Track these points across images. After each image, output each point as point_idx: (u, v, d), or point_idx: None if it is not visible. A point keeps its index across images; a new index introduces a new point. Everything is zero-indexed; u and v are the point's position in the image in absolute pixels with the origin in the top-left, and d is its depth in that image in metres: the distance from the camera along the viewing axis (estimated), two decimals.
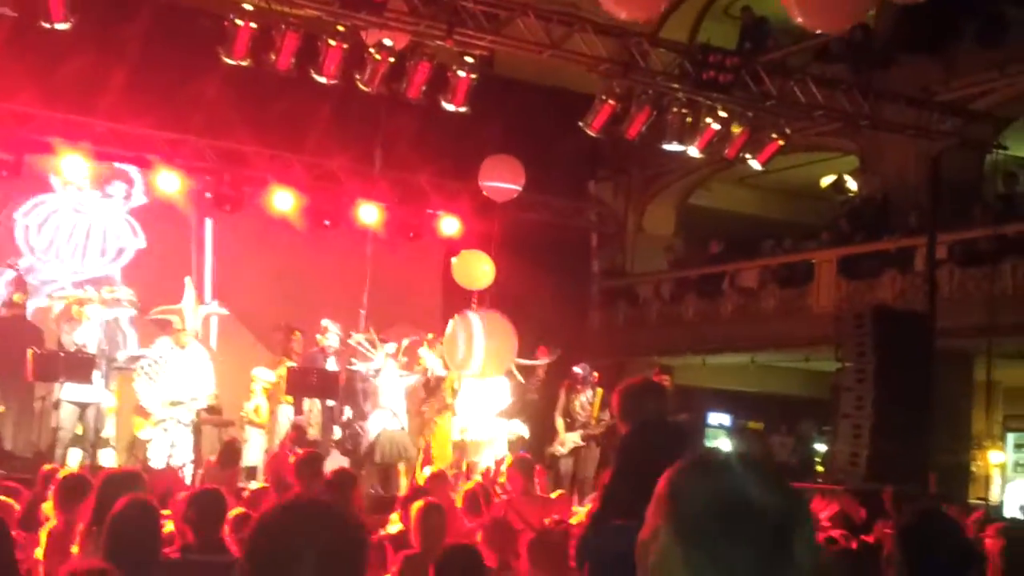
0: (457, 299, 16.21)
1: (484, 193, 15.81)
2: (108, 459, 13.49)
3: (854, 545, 7.04)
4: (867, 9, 10.12)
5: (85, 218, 16.66)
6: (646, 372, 15.21)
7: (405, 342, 15.16)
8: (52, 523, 6.41)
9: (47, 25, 11.57)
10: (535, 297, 13.17)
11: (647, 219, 22.25)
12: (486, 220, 16.87)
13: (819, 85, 14.84)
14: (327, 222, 17.24)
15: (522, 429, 15.00)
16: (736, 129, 14.50)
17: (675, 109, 14.22)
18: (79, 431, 13.18)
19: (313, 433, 14.03)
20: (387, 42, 12.81)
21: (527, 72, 17.80)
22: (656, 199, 22.21)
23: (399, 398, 14.60)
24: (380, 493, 13.40)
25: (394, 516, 8.02)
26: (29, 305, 14.73)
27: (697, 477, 1.76)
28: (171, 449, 13.43)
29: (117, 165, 16.32)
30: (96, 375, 12.91)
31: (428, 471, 9.61)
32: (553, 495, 10.06)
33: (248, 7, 12.26)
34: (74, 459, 12.84)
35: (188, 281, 14.35)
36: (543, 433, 15.32)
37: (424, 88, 13.38)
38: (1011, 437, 19.86)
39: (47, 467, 9.38)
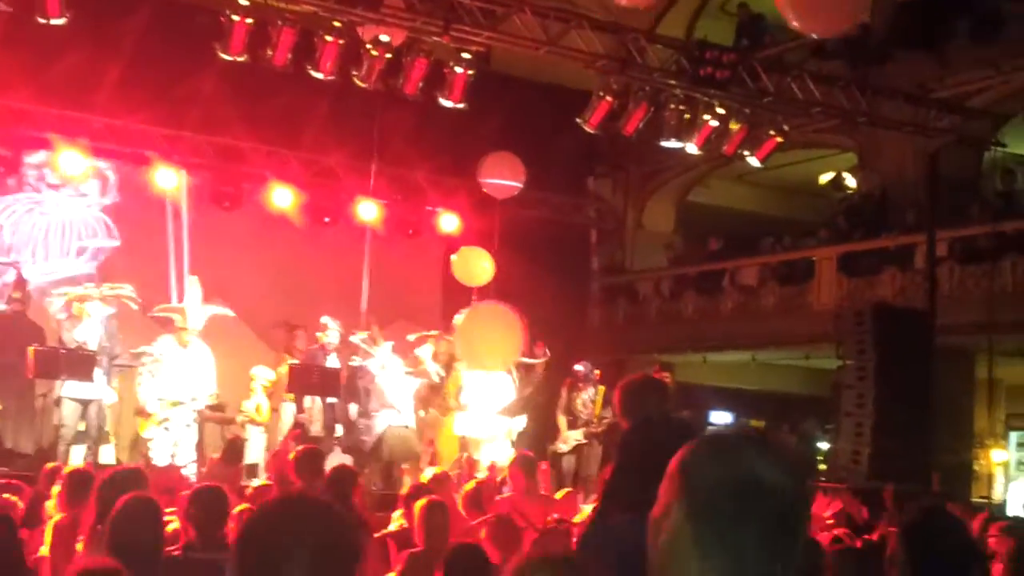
0: (457, 296, 16.20)
1: (484, 190, 15.80)
2: (106, 456, 13.45)
3: (858, 544, 7.02)
4: (862, 13, 10.10)
5: (58, 217, 16.57)
6: (647, 369, 15.21)
7: (411, 338, 15.12)
8: (58, 518, 6.39)
9: (43, 20, 11.54)
10: (534, 294, 13.17)
11: (646, 216, 22.25)
12: (485, 217, 16.87)
13: (816, 82, 14.83)
14: (326, 219, 17.23)
15: (521, 423, 14.94)
16: (734, 126, 14.50)
17: (672, 106, 14.23)
18: (81, 428, 13.15)
19: (315, 430, 14.01)
20: (384, 38, 12.79)
21: (524, 68, 17.78)
22: (655, 196, 22.21)
23: (405, 396, 14.56)
24: (381, 491, 13.36)
25: (396, 514, 7.99)
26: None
27: (710, 456, 1.78)
28: (174, 447, 13.39)
29: (92, 163, 16.15)
30: (97, 372, 12.87)
31: (431, 472, 9.55)
32: (559, 494, 10.02)
33: (244, 2, 12.23)
34: (77, 456, 12.80)
35: (194, 280, 14.30)
36: (545, 431, 15.30)
37: (421, 84, 13.37)
38: (1014, 436, 19.86)
39: (50, 465, 9.37)
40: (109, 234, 16.78)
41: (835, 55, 17.47)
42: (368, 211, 17.06)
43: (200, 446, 13.82)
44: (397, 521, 7.79)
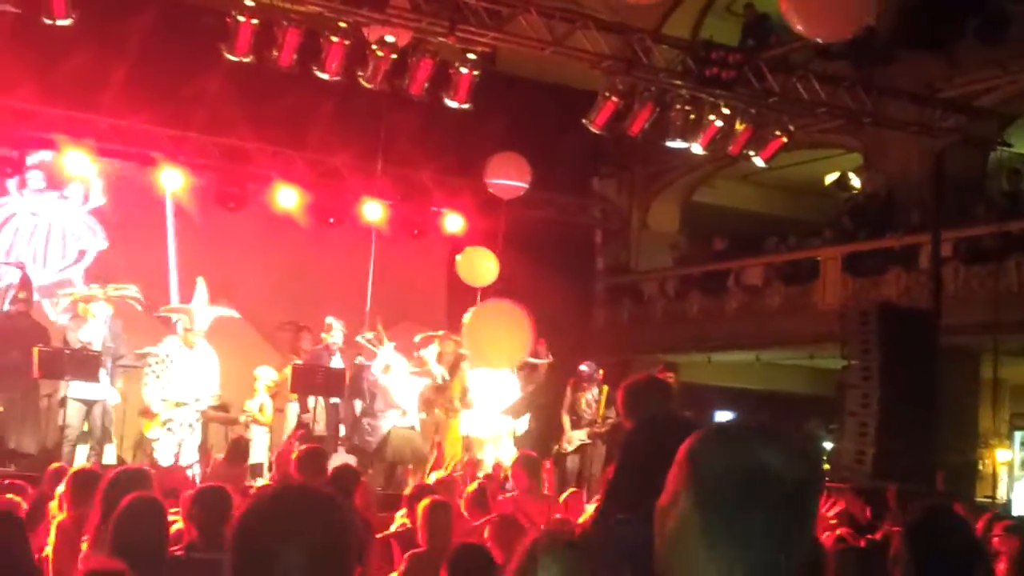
0: (461, 296, 16.22)
1: (490, 191, 15.81)
2: (107, 456, 13.47)
3: (861, 543, 7.02)
4: (867, 18, 10.10)
5: (44, 221, 16.55)
6: (651, 369, 15.20)
7: (417, 339, 15.13)
8: (61, 517, 6.41)
9: (49, 21, 11.57)
10: (539, 294, 13.18)
11: (651, 216, 22.24)
12: (490, 217, 16.88)
13: (822, 82, 14.82)
14: (331, 219, 17.24)
15: (524, 423, 14.93)
16: (739, 126, 14.49)
17: (678, 106, 14.22)
18: (85, 428, 13.17)
19: (319, 430, 14.03)
20: (389, 39, 12.80)
21: (530, 69, 17.78)
22: (660, 196, 22.20)
23: (411, 397, 14.57)
24: (383, 492, 13.36)
25: (399, 514, 8.00)
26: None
27: (718, 444, 1.78)
28: (177, 448, 13.41)
29: (72, 169, 16.13)
30: (101, 373, 12.90)
31: (435, 477, 9.56)
32: (564, 495, 10.02)
33: (250, 3, 12.26)
34: (81, 457, 12.82)
35: (201, 281, 14.31)
36: (549, 431, 15.30)
37: (427, 85, 13.38)
38: (1018, 435, 19.83)
39: (54, 465, 9.38)
40: (95, 237, 16.74)
41: (841, 55, 17.44)
42: (373, 211, 17.08)
43: (204, 446, 13.84)
44: (400, 521, 7.81)
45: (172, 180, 16.15)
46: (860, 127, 16.77)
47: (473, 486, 8.12)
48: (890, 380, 13.67)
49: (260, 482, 10.32)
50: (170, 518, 5.56)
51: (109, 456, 13.45)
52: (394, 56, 12.99)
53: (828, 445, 17.95)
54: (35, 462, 12.36)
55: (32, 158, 15.94)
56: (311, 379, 13.85)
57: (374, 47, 12.86)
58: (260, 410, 14.44)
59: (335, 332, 14.52)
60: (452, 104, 13.54)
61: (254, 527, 2.24)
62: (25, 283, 14.09)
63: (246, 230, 16.83)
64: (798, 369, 20.94)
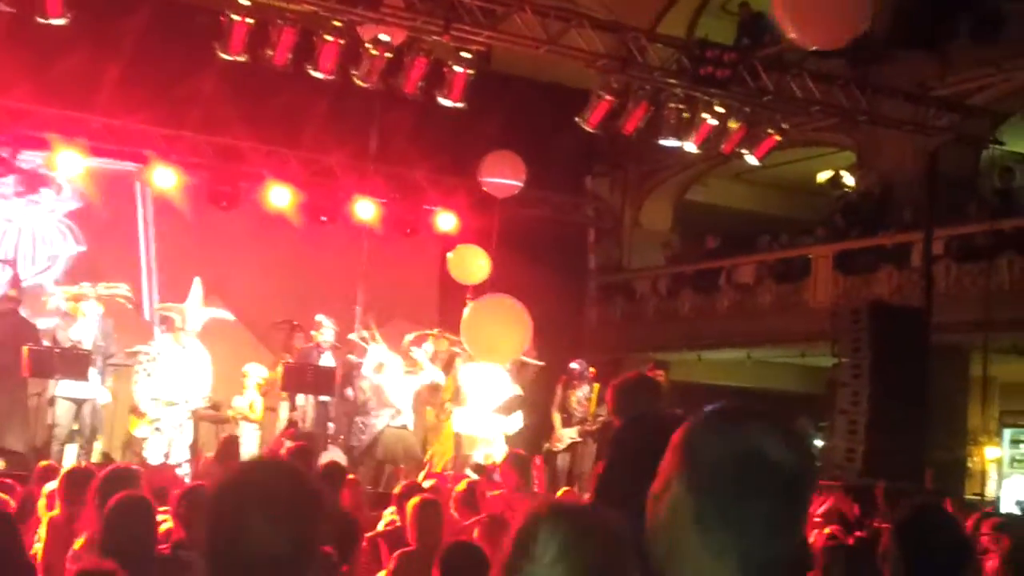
0: (454, 295, 16.23)
1: (484, 189, 15.82)
2: (93, 453, 13.44)
3: (850, 541, 7.05)
4: (862, 26, 10.09)
5: (15, 226, 16.43)
6: (642, 368, 15.22)
7: (409, 337, 15.14)
8: (54, 514, 6.42)
9: (43, 20, 11.56)
10: (532, 292, 13.17)
11: (644, 214, 22.25)
12: (483, 216, 16.88)
13: (816, 80, 14.84)
14: (324, 218, 17.23)
15: (515, 420, 14.92)
16: (733, 124, 14.51)
17: (672, 105, 14.24)
18: (75, 427, 13.16)
19: (309, 428, 14.03)
20: (383, 37, 12.80)
21: (524, 68, 17.79)
22: (653, 194, 22.21)
23: (406, 396, 14.58)
24: (372, 490, 13.38)
25: (387, 513, 8.01)
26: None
27: (714, 429, 1.78)
28: (168, 446, 13.41)
29: (44, 170, 16.09)
30: (92, 371, 12.88)
31: (428, 484, 9.54)
32: (559, 493, 10.03)
33: (245, 2, 12.26)
34: (70, 455, 12.82)
35: (197, 281, 14.30)
36: (540, 429, 15.31)
37: (421, 84, 13.39)
38: (1007, 433, 19.89)
39: (43, 463, 9.38)
40: (75, 240, 16.66)
41: (835, 54, 17.41)
42: (366, 210, 17.07)
43: (195, 445, 13.84)
44: (388, 520, 7.81)
45: (165, 179, 16.13)
46: (854, 125, 16.79)
47: (462, 485, 8.12)
48: (880, 378, 13.70)
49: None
50: (159, 517, 5.57)
51: (94, 453, 13.44)
52: (388, 55, 13.00)
53: (819, 443, 18.00)
54: (23, 460, 12.37)
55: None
56: (301, 377, 13.86)
57: (368, 46, 12.86)
58: (250, 407, 14.46)
59: (325, 330, 14.53)
60: (446, 103, 13.55)
61: (224, 499, 2.28)
62: (15, 281, 14.08)
63: (239, 229, 16.82)
64: (789, 367, 20.97)
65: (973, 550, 5.03)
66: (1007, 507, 17.43)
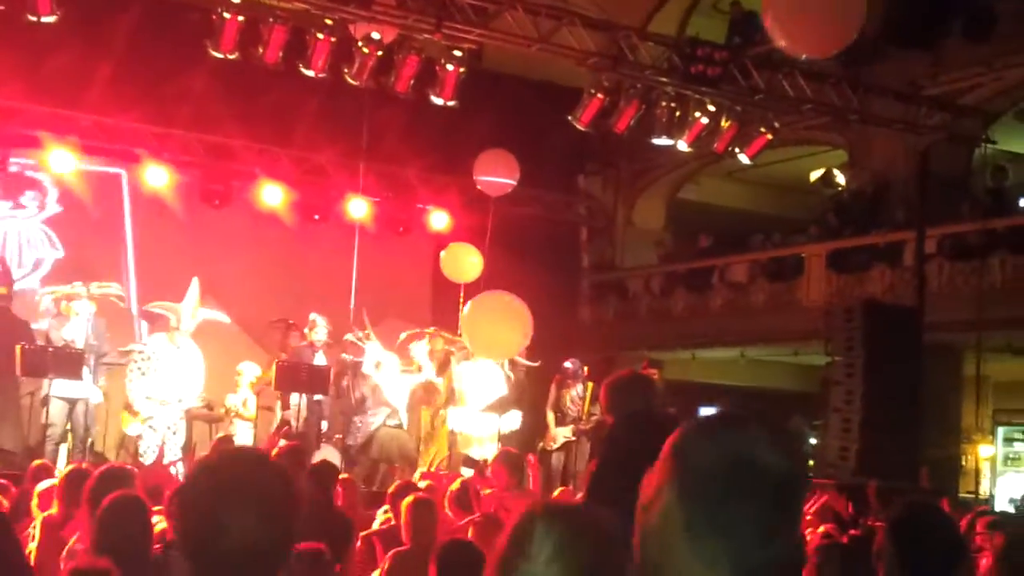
0: (447, 293, 16.22)
1: (478, 187, 15.81)
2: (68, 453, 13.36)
3: (843, 539, 7.04)
4: (852, 35, 10.07)
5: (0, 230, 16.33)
6: (635, 366, 15.21)
7: (403, 336, 15.11)
8: (49, 513, 6.39)
9: (33, 19, 11.52)
10: (524, 291, 13.14)
11: (636, 213, 22.26)
12: (476, 214, 16.87)
13: (807, 79, 14.84)
14: (316, 216, 17.21)
15: (513, 420, 14.90)
16: (725, 123, 14.51)
17: (664, 103, 14.24)
18: (68, 427, 13.12)
19: (303, 426, 14.00)
20: (375, 35, 12.78)
21: (516, 66, 17.78)
22: (645, 193, 22.22)
23: (402, 395, 14.55)
24: (366, 489, 13.35)
25: (380, 512, 7.98)
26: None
27: (703, 435, 1.76)
28: (161, 445, 13.36)
29: (29, 174, 15.99)
30: (84, 371, 12.84)
31: (423, 484, 9.51)
32: (555, 493, 10.00)
33: (235, 0, 12.23)
34: (63, 455, 12.78)
35: (194, 281, 14.25)
36: (534, 428, 15.30)
37: (412, 82, 13.38)
38: (1001, 431, 19.93)
39: (36, 463, 9.35)
40: (52, 246, 16.54)
41: None
42: (358, 209, 17.05)
43: (189, 445, 13.80)
44: (382, 519, 7.79)
45: (157, 177, 16.09)
46: (845, 124, 16.81)
47: (456, 484, 8.10)
48: (874, 377, 13.71)
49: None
50: (154, 518, 5.55)
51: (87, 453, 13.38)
52: (380, 53, 12.98)
53: (813, 441, 18.01)
54: (14, 460, 12.33)
55: None
56: (295, 376, 13.83)
57: (360, 44, 12.85)
58: (243, 405, 14.44)
59: (319, 329, 14.50)
60: (438, 101, 13.53)
61: (196, 491, 2.29)
62: (5, 277, 14.02)
63: (231, 227, 16.79)
64: (783, 366, 21.00)
65: (968, 549, 5.01)
66: (1001, 505, 17.47)
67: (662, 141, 14.68)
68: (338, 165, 17.43)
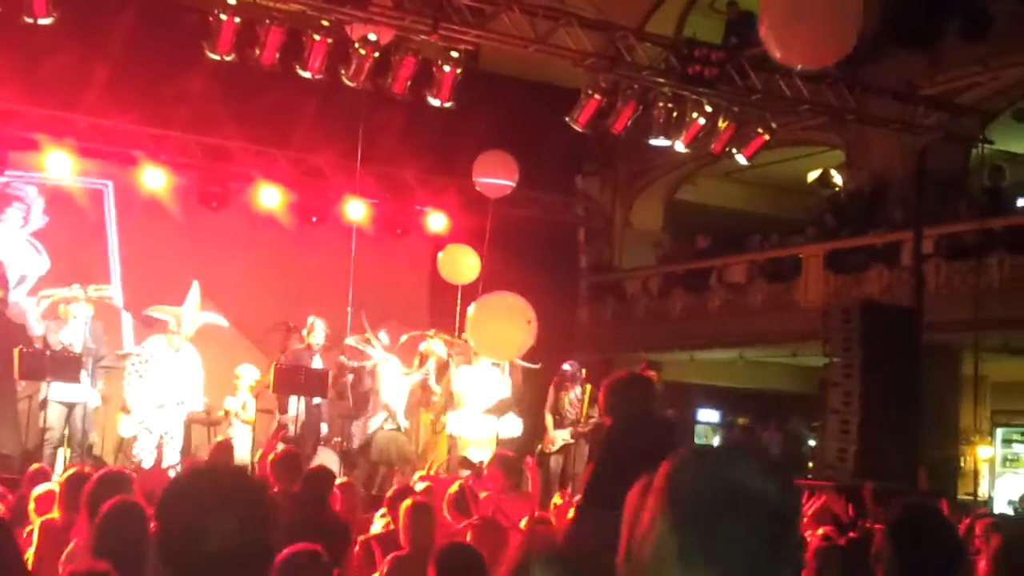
0: (444, 295, 16.21)
1: (477, 189, 15.80)
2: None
3: (841, 542, 7.03)
4: (847, 46, 10.06)
5: None
6: (633, 368, 15.20)
7: (403, 338, 15.10)
8: (45, 517, 6.38)
9: (30, 20, 11.50)
10: (522, 293, 13.13)
11: (634, 214, 22.26)
12: (474, 216, 16.86)
13: (804, 79, 14.83)
14: (314, 218, 17.19)
15: (514, 426, 14.89)
16: (722, 124, 14.51)
17: (661, 104, 14.23)
18: (66, 431, 13.09)
19: (300, 430, 13.99)
20: (372, 37, 12.77)
21: (513, 67, 17.78)
22: (643, 194, 22.22)
23: (401, 398, 14.53)
24: (365, 492, 13.34)
25: (377, 515, 7.97)
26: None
27: (695, 466, 1.76)
28: (158, 448, 13.35)
29: (13, 187, 15.90)
30: (82, 374, 12.82)
31: (421, 486, 9.50)
32: (556, 501, 9.97)
33: (232, 2, 12.22)
34: (61, 459, 12.76)
35: (195, 285, 14.21)
36: (532, 431, 15.29)
37: (409, 83, 13.36)
38: (999, 432, 19.92)
39: (34, 467, 9.34)
40: (39, 257, 16.41)
41: None
42: (356, 210, 17.03)
43: (187, 449, 13.78)
44: (379, 522, 7.77)
45: (154, 179, 16.07)
46: (842, 124, 16.81)
47: (455, 488, 8.09)
48: (872, 378, 13.71)
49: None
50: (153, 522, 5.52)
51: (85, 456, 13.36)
52: (377, 54, 12.96)
53: (811, 443, 17.98)
54: (11, 464, 12.31)
55: None
56: (293, 379, 13.81)
57: (357, 45, 12.83)
58: (243, 408, 14.42)
59: (317, 332, 14.49)
60: (435, 102, 13.52)
61: (174, 505, 2.31)
62: (1, 282, 14.00)
63: (228, 229, 16.78)
64: (781, 367, 20.99)
65: (966, 551, 5.01)
66: (1000, 507, 17.47)
67: (659, 142, 14.68)
68: (335, 167, 17.41)
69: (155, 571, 2.28)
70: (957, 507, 10.73)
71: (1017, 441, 20.39)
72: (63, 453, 12.98)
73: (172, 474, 11.97)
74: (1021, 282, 14.85)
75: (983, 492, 17.73)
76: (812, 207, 20.14)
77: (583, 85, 14.23)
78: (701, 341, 19.40)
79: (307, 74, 12.87)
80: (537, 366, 14.88)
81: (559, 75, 16.59)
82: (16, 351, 12.41)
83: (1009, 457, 20.24)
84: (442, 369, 14.94)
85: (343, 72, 13.13)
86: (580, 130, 14.46)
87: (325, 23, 12.48)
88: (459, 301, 15.50)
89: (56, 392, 12.81)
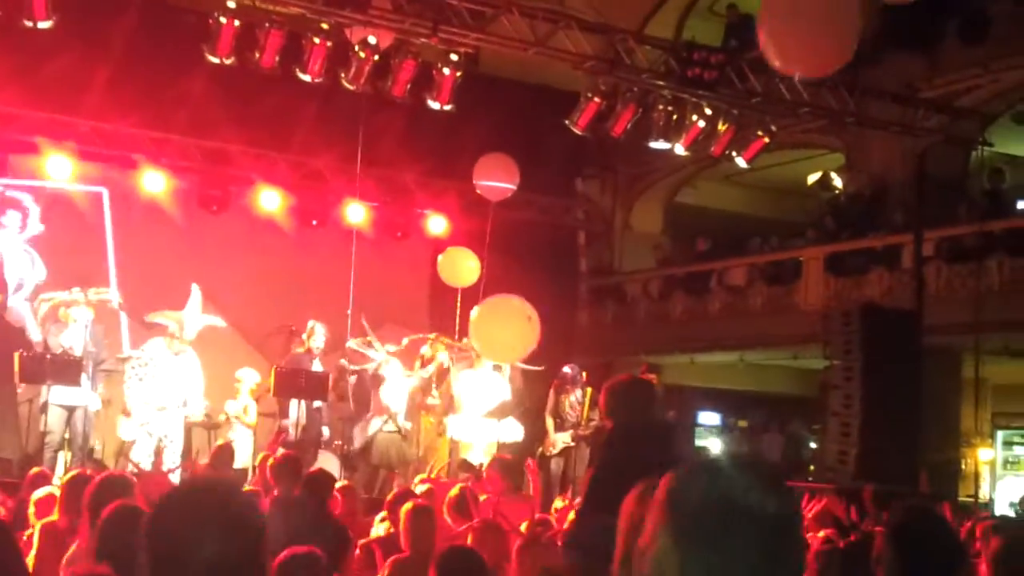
0: (444, 298, 16.21)
1: (478, 192, 15.79)
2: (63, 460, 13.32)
3: (841, 544, 7.03)
4: (847, 55, 10.06)
5: None
6: (633, 371, 15.19)
7: (405, 341, 15.09)
8: (45, 521, 6.38)
9: (30, 24, 11.50)
10: (523, 296, 13.13)
11: (634, 217, 22.25)
12: (474, 218, 16.85)
13: (804, 82, 14.82)
14: (314, 222, 17.19)
15: (515, 431, 14.88)
16: (722, 127, 14.51)
17: (660, 107, 14.24)
18: (67, 435, 13.08)
19: (302, 433, 13.98)
20: (372, 40, 12.78)
21: (512, 70, 17.78)
22: (643, 197, 22.22)
23: (402, 400, 14.53)
24: (367, 495, 13.33)
25: (377, 519, 7.96)
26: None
27: (696, 479, 1.77)
28: (157, 451, 13.34)
29: (10, 194, 15.87)
30: (83, 378, 12.81)
31: (421, 489, 9.50)
32: (557, 504, 9.97)
33: (232, 5, 12.22)
34: (62, 463, 12.74)
35: (195, 288, 14.20)
36: (533, 434, 15.28)
37: (409, 86, 13.37)
38: (1000, 434, 19.92)
39: (34, 470, 9.33)
40: (33, 266, 16.32)
41: None
42: (356, 213, 17.02)
43: (188, 452, 13.77)
44: (379, 526, 7.76)
45: (154, 183, 16.07)
46: (842, 127, 16.82)
47: (455, 491, 8.08)
48: (872, 380, 13.71)
49: (244, 488, 10.26)
50: None
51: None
52: (376, 57, 12.97)
53: (812, 445, 17.97)
54: (14, 467, 12.29)
55: None
56: (294, 382, 13.81)
57: (356, 48, 12.84)
58: (244, 412, 14.41)
59: (317, 336, 14.48)
60: (435, 105, 13.53)
61: (163, 523, 2.30)
62: (0, 285, 13.98)
63: (228, 233, 16.77)
64: (782, 369, 20.98)
65: (967, 554, 5.01)
66: (1001, 509, 17.46)
67: (659, 145, 14.68)
68: (335, 170, 17.41)
69: None
70: (959, 509, 10.71)
71: (1018, 443, 20.39)
72: (63, 456, 12.97)
73: (172, 477, 11.97)
74: (1021, 284, 14.84)
75: (984, 494, 17.71)
76: (812, 210, 20.14)
77: (583, 88, 14.23)
78: (701, 344, 19.39)
79: (307, 77, 12.88)
80: (540, 368, 14.87)
81: (559, 78, 16.60)
82: (16, 355, 12.40)
83: (1010, 459, 20.24)
84: (443, 373, 14.93)
85: (343, 75, 13.14)
86: (580, 133, 14.46)
87: (325, 26, 12.49)
88: (459, 304, 15.51)
89: (56, 395, 12.80)
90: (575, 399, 14.86)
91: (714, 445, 22.34)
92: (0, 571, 5.27)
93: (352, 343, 14.72)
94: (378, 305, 16.01)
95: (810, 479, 14.88)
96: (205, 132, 16.54)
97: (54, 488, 7.16)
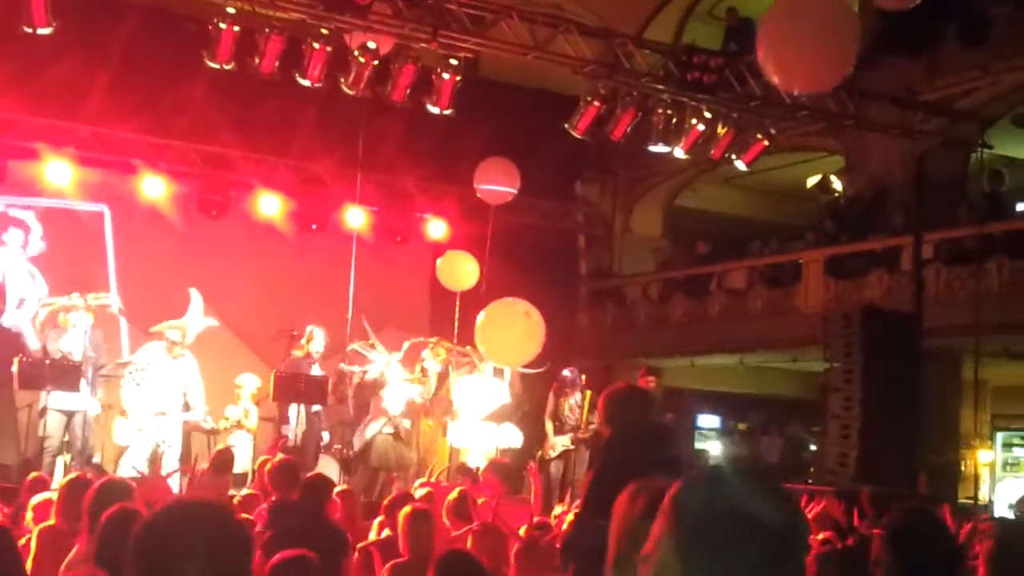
0: (445, 303, 16.20)
1: (479, 196, 15.80)
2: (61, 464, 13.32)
3: (839, 546, 7.03)
4: (846, 70, 10.07)
5: None
6: (633, 374, 15.21)
7: (405, 345, 15.09)
8: (43, 525, 6.38)
9: (29, 30, 11.52)
10: (523, 299, 13.15)
11: (634, 220, 22.26)
12: (473, 223, 16.87)
13: None
14: (314, 226, 17.21)
15: (514, 437, 14.88)
16: (721, 130, 14.52)
17: (660, 110, 14.26)
18: (66, 439, 13.08)
19: (300, 438, 13.98)
20: (371, 45, 12.79)
21: (512, 74, 17.80)
22: (643, 200, 22.22)
23: (400, 405, 14.54)
24: (365, 499, 13.32)
25: (376, 522, 7.95)
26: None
27: (700, 489, 1.78)
28: (155, 456, 13.34)
29: (13, 213, 15.89)
30: (82, 383, 12.81)
31: (421, 493, 9.50)
32: (556, 510, 9.96)
33: (232, 10, 12.23)
34: (60, 468, 12.74)
35: (195, 293, 14.19)
36: (532, 437, 15.28)
37: (409, 91, 13.39)
38: (1000, 436, 19.91)
39: (32, 475, 9.33)
40: (34, 283, 16.30)
41: None
42: (356, 218, 17.03)
43: (186, 456, 13.77)
44: (376, 529, 7.75)
45: (154, 188, 16.09)
46: (842, 130, 16.83)
47: (454, 494, 8.08)
48: (872, 382, 13.72)
49: (244, 492, 10.27)
50: None
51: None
52: (376, 62, 12.99)
53: (812, 448, 17.95)
54: (13, 473, 12.30)
55: None
56: (294, 387, 13.81)
57: (356, 53, 12.85)
58: (245, 416, 14.42)
59: (316, 341, 14.49)
60: (434, 110, 13.54)
61: (149, 543, 2.32)
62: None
63: (228, 238, 16.79)
64: (782, 372, 20.98)
65: (965, 556, 5.02)
66: (1000, 511, 17.44)
67: (659, 148, 14.69)
68: (335, 175, 17.42)
69: None
70: (958, 512, 10.70)
71: (1017, 445, 20.37)
72: (62, 461, 12.97)
73: (171, 482, 11.96)
74: (1021, 286, 14.83)
75: (983, 496, 17.69)
76: (812, 212, 20.14)
77: (582, 92, 14.25)
78: (701, 347, 19.39)
79: (307, 82, 12.89)
80: (543, 369, 14.87)
81: (558, 82, 16.61)
82: (16, 360, 12.41)
83: (1009, 461, 20.22)
84: (443, 377, 14.92)
85: (343, 80, 13.16)
86: (579, 137, 14.48)
87: (324, 31, 12.50)
88: (458, 308, 15.51)
89: (55, 401, 12.80)
90: (574, 402, 14.84)
91: (714, 448, 22.34)
92: None
93: (355, 345, 14.73)
94: (378, 309, 16.01)
95: (810, 481, 14.87)
96: (205, 137, 16.56)
97: (52, 493, 7.17)
